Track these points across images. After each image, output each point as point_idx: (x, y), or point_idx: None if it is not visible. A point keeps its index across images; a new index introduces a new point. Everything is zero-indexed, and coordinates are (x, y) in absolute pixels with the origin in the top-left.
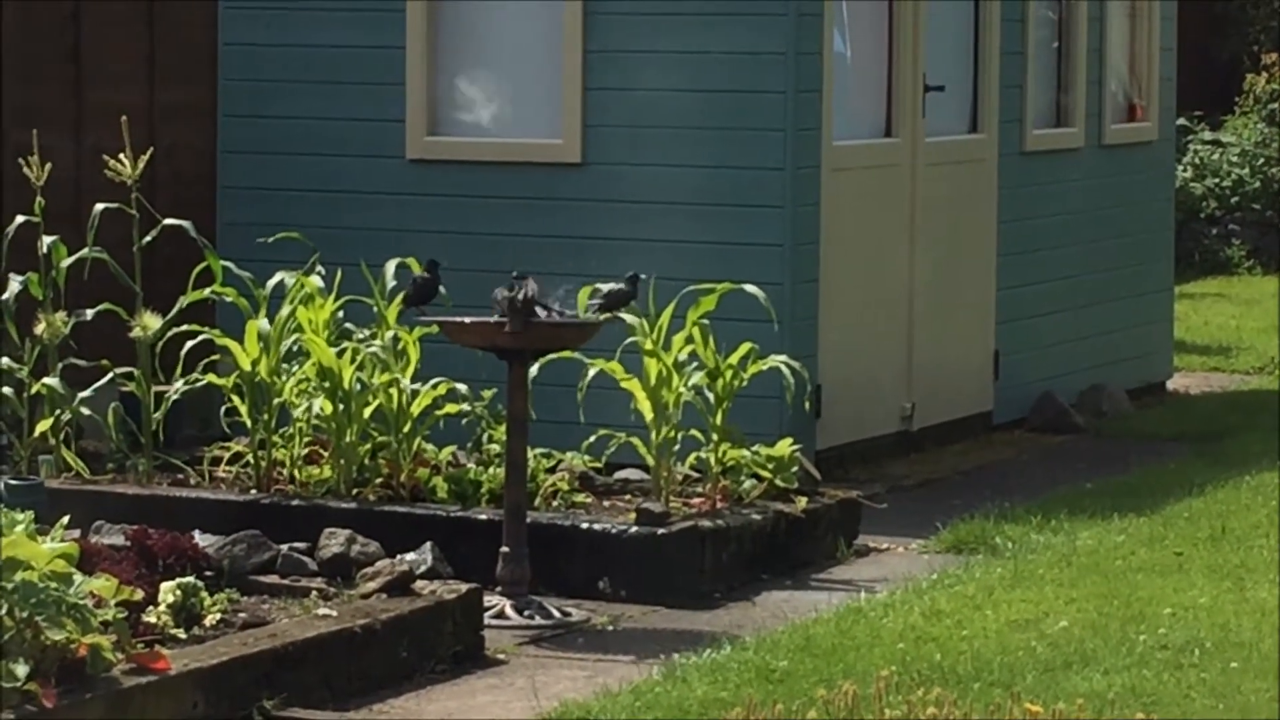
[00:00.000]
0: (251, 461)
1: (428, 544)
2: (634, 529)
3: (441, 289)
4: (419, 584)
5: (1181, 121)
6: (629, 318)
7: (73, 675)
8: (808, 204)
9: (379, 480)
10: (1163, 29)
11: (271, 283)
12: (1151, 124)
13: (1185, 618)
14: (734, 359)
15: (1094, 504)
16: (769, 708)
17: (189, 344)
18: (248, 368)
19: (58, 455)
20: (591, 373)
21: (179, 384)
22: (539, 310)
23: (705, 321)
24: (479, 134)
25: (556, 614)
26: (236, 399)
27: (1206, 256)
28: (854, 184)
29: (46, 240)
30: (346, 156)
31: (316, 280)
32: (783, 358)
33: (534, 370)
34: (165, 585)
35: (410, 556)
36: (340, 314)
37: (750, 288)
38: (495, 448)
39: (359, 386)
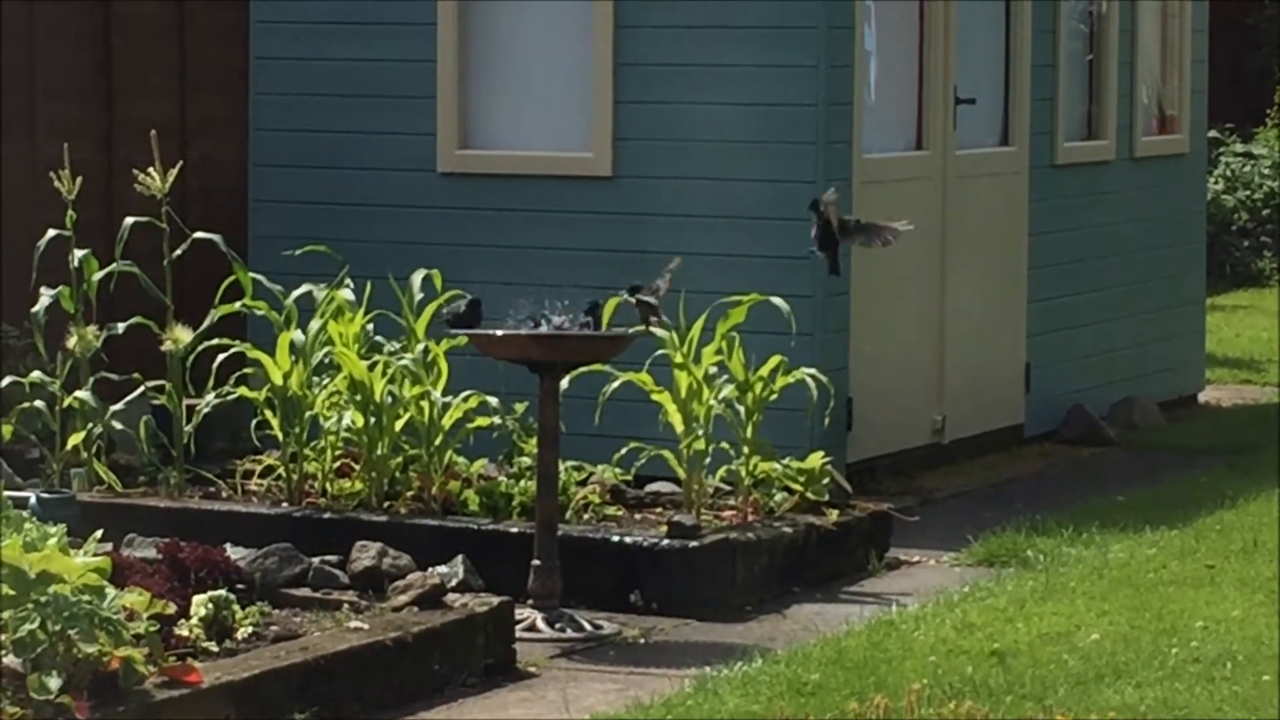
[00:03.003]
0: (283, 474)
1: (459, 557)
2: (665, 542)
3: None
4: (450, 597)
5: (1213, 134)
6: (659, 331)
7: (105, 688)
8: None
9: (410, 493)
10: (1194, 41)
11: (296, 293)
12: (1183, 136)
13: (1217, 630)
14: (764, 371)
15: (1125, 517)
16: None
17: (220, 357)
18: (279, 381)
19: (89, 468)
20: (616, 384)
21: (210, 397)
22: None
23: (735, 334)
24: (510, 147)
25: (588, 627)
26: (268, 412)
27: (1238, 269)
28: (885, 197)
29: (78, 254)
30: (377, 170)
31: (347, 293)
32: (811, 370)
33: (565, 383)
34: (197, 598)
35: (442, 569)
36: (370, 327)
37: (776, 299)
38: (526, 460)
39: (390, 399)
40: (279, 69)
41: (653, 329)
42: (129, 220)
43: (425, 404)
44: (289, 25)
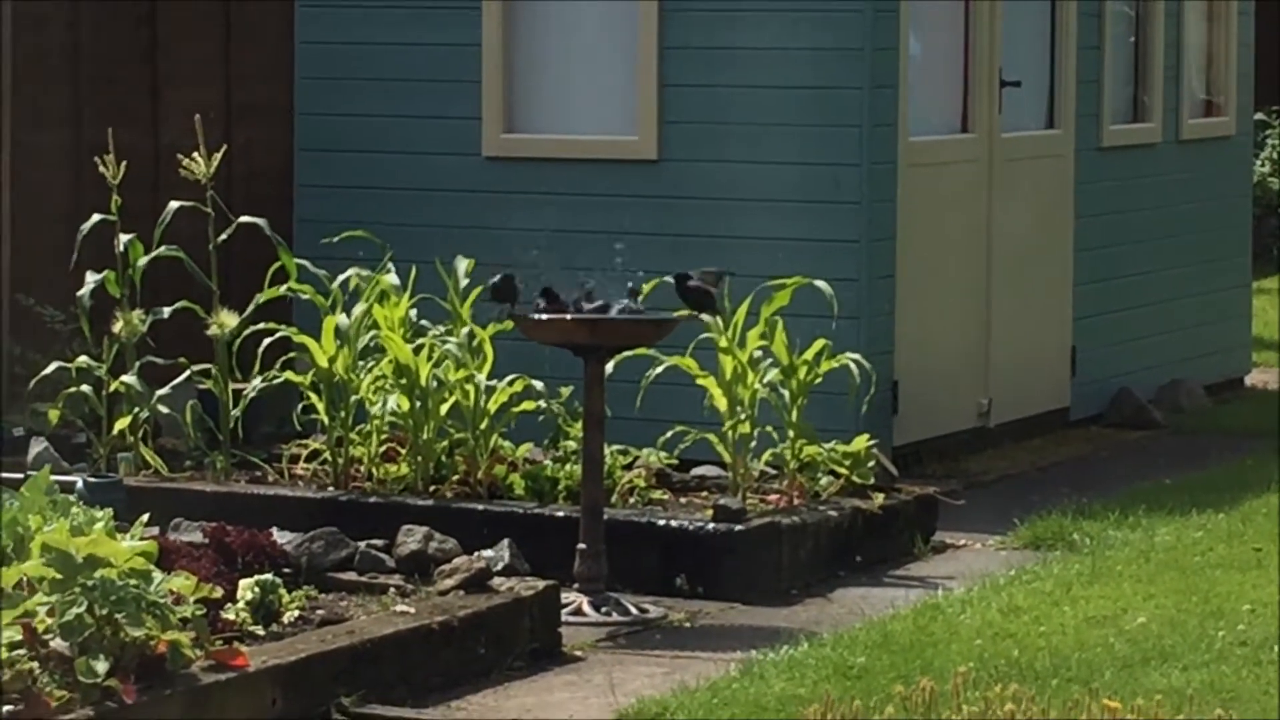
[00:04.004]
0: (329, 459)
1: (505, 541)
2: (711, 525)
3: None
4: (496, 581)
5: (1259, 116)
6: (707, 316)
7: (152, 672)
8: (884, 199)
9: (456, 477)
10: (1240, 24)
11: (341, 278)
12: (1229, 119)
13: (1264, 614)
14: (808, 355)
15: (1172, 500)
16: (846, 704)
17: (266, 341)
18: (324, 365)
19: (136, 453)
20: (661, 368)
21: (256, 381)
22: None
23: (779, 317)
24: (555, 131)
25: (634, 611)
26: (314, 396)
27: None
28: (930, 179)
29: (124, 238)
30: (422, 154)
31: (392, 278)
32: (855, 356)
33: (610, 367)
34: (244, 582)
35: (488, 553)
36: (414, 311)
37: (819, 282)
38: (572, 444)
39: (435, 383)
40: (324, 53)
41: (703, 315)
42: (173, 205)
43: (470, 388)
44: (334, 10)
